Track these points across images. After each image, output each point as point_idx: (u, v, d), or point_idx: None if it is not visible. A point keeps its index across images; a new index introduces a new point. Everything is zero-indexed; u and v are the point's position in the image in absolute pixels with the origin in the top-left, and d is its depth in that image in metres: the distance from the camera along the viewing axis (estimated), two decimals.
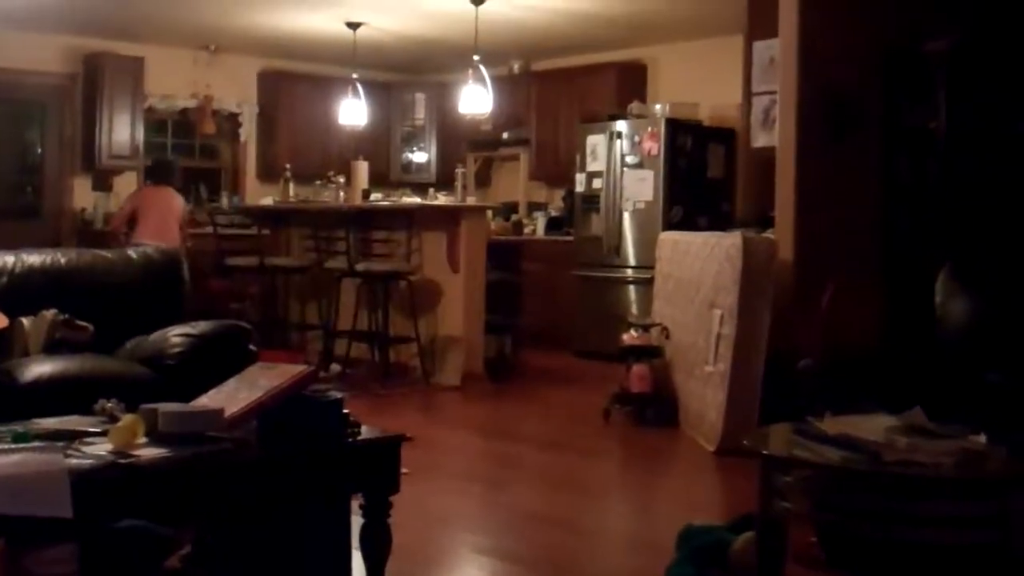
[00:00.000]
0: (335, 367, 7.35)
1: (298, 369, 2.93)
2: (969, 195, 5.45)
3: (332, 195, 8.47)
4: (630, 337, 5.99)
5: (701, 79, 8.55)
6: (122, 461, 2.55)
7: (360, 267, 7.26)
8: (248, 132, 10.05)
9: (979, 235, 5.39)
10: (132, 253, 4.36)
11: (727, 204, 8.02)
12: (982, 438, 2.82)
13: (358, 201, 8.18)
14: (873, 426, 2.93)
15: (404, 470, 3.08)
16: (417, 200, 8.17)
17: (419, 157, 10.81)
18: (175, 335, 3.82)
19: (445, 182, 9.56)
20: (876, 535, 2.74)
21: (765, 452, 2.99)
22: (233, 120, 10.02)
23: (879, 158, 5.61)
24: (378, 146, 10.43)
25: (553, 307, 8.69)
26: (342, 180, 8.57)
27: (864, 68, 5.51)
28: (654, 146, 8.02)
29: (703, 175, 8.14)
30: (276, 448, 2.80)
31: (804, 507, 2.86)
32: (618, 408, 5.86)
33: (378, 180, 9.53)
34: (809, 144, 5.46)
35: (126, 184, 9.28)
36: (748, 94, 6.58)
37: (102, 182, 9.22)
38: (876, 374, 3.82)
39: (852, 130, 5.51)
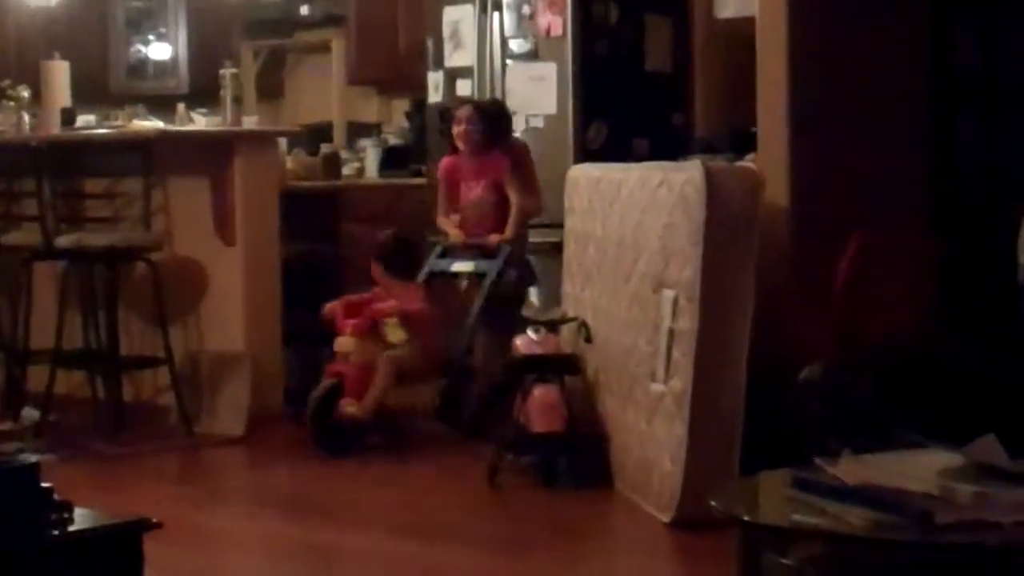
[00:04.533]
0: (29, 412, 7.22)
1: None
2: None
3: (10, 121, 8.30)
4: (527, 342, 6.03)
5: None
6: None
7: (64, 241, 7.14)
8: None
9: None
10: None
11: (680, 116, 8.10)
12: None
13: (56, 130, 8.03)
14: (919, 469, 3.03)
15: None
16: (158, 125, 8.06)
17: (158, 51, 10.64)
18: None
19: (204, 93, 9.46)
20: None
21: (748, 519, 3.06)
22: None
23: (927, 31, 5.75)
24: (87, 35, 10.23)
25: None
26: (26, 95, 8.42)
27: None
28: (556, 21, 8.05)
29: (639, 68, 8.21)
30: None
31: None
32: (512, 461, 5.90)
33: (90, 93, 9.35)
34: (811, 10, 5.57)
35: None
36: None
37: None
38: (923, 386, 3.93)
39: None
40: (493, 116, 7.46)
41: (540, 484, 5.84)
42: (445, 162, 7.54)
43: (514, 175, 7.28)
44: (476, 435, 6.55)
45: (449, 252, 7.26)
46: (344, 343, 6.70)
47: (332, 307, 6.83)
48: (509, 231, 7.15)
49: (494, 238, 7.15)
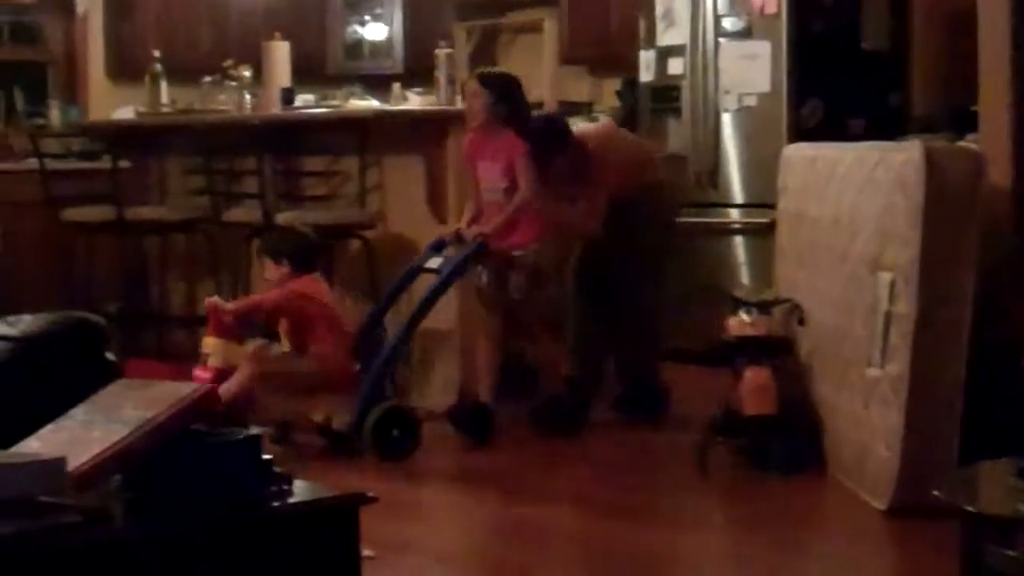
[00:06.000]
0: None
1: (186, 389, 2.94)
2: None
3: (233, 100, 8.46)
4: (739, 324, 5.97)
5: None
6: None
7: (283, 218, 7.25)
8: (90, 0, 10.04)
9: None
10: None
11: (897, 94, 7.98)
12: None
13: (276, 109, 8.16)
14: None
15: (367, 552, 3.11)
16: (374, 104, 8.14)
17: (374, 32, 10.77)
18: None
19: (419, 73, 9.54)
20: None
21: (971, 509, 3.01)
22: None
23: None
24: (306, 16, 10.39)
25: None
26: (248, 76, 8.57)
27: None
28: None
29: (855, 46, 8.11)
30: (153, 521, 2.82)
31: None
32: (722, 443, 5.86)
33: (309, 73, 9.51)
34: None
35: None
36: None
37: None
38: None
39: None
40: (502, 87, 6.67)
41: (751, 467, 5.79)
42: (465, 141, 6.88)
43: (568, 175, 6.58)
44: (382, 457, 5.96)
45: (443, 245, 6.62)
46: (206, 343, 6.08)
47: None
48: (491, 225, 6.50)
49: (472, 231, 6.52)
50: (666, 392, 6.88)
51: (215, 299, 6.19)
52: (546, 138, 6.59)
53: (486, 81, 6.69)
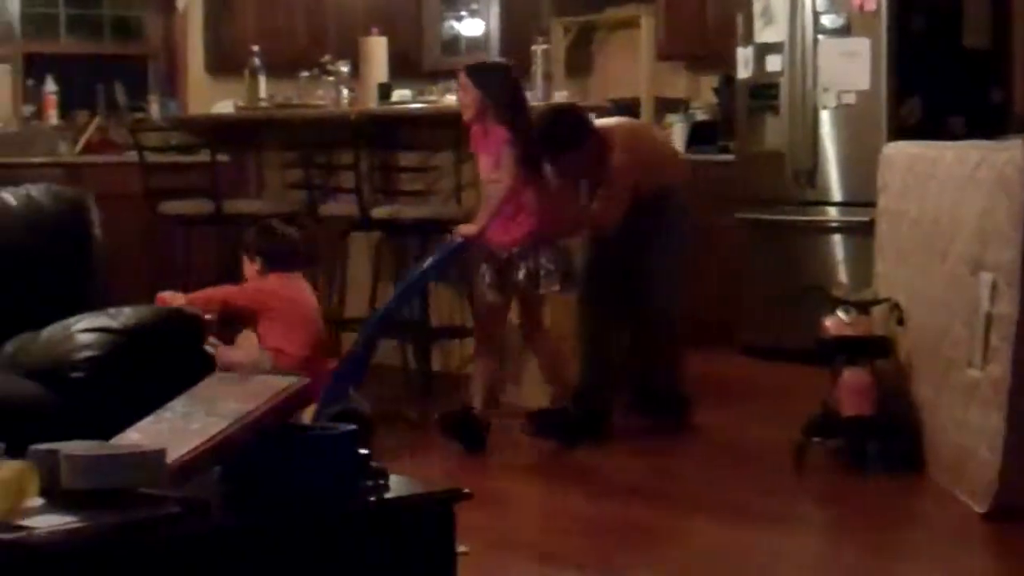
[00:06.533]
0: None
1: (283, 383, 2.95)
2: None
3: (330, 95, 8.50)
4: (837, 324, 5.92)
5: None
6: (4, 537, 2.59)
7: (379, 213, 7.28)
8: None
9: None
10: (10, 197, 4.41)
11: (999, 92, 7.89)
12: None
13: (372, 104, 8.18)
14: None
15: (461, 548, 3.10)
16: None
17: (471, 28, 10.77)
18: (84, 330, 3.86)
19: (515, 68, 9.53)
20: None
21: None
22: None
23: None
24: (403, 12, 10.42)
25: (704, 274, 8.61)
26: (345, 71, 8.60)
27: None
28: None
29: (956, 44, 8.03)
30: (251, 513, 2.85)
31: None
32: (819, 443, 5.81)
33: (405, 69, 9.53)
34: None
35: None
36: None
37: None
38: None
39: None
40: (490, 79, 6.40)
41: (849, 468, 5.74)
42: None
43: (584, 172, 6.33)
44: None
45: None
46: None
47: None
48: (475, 226, 6.23)
49: (463, 228, 6.30)
50: (687, 400, 6.68)
51: (167, 293, 6.12)
52: (554, 131, 6.33)
53: (473, 73, 6.45)
